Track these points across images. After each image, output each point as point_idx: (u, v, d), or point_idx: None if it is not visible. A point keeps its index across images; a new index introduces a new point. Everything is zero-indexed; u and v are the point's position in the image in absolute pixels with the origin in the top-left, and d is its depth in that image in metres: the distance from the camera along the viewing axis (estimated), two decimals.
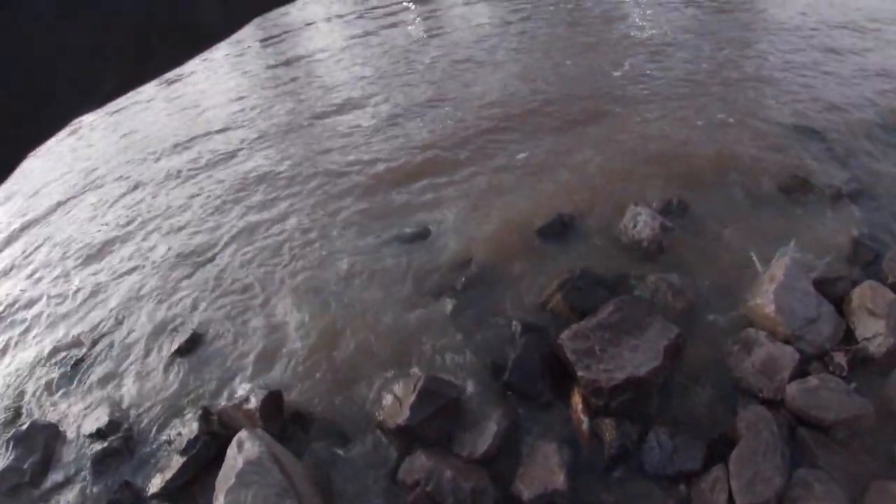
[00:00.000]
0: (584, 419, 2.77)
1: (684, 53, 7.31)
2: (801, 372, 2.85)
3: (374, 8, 13.62)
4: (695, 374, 2.95)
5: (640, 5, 9.97)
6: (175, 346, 4.04)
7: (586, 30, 9.13)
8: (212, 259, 5.03)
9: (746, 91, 6.04)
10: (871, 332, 3.01)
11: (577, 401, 2.85)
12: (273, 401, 3.21)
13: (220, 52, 13.07)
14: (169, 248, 5.42)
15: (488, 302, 3.69)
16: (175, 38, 0.49)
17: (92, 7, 0.42)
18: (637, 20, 9.17)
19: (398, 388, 2.98)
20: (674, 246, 3.84)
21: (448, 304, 3.73)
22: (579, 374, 2.82)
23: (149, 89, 12.37)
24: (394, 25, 11.73)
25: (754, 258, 3.62)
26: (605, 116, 5.93)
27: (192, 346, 4.02)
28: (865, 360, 2.93)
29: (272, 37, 14.05)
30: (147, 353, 4.20)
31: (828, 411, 2.63)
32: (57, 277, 5.68)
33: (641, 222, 3.92)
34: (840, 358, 2.92)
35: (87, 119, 11.85)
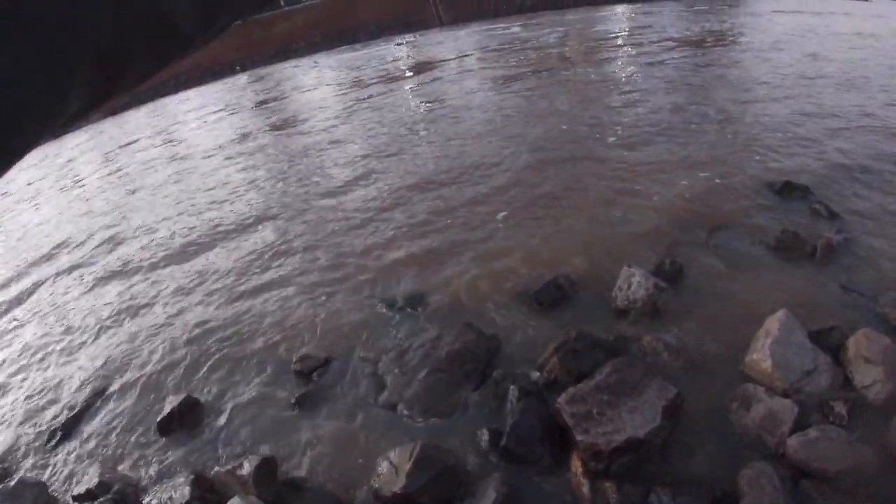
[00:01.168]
0: (585, 483, 2.71)
1: (669, 117, 7.55)
2: (801, 424, 2.81)
3: (371, 76, 14.12)
4: (695, 432, 2.92)
5: (624, 70, 10.37)
6: (168, 410, 3.97)
7: (573, 98, 9.45)
8: (208, 327, 5.03)
9: (731, 150, 6.21)
10: (869, 379, 3.01)
11: (576, 464, 2.80)
12: (267, 467, 3.15)
13: (218, 124, 13.37)
14: (166, 316, 5.43)
15: (484, 367, 3.66)
16: (145, 48, 0.45)
17: (53, 16, 0.38)
18: (623, 84, 9.51)
19: (394, 456, 2.92)
20: (668, 306, 3.86)
21: (443, 370, 3.69)
22: (578, 437, 2.77)
23: (155, 154, 12.64)
24: (391, 94, 12.12)
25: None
26: (594, 181, 6.08)
27: (185, 409, 3.96)
28: (865, 407, 2.92)
29: (270, 100, 14.43)
30: (140, 416, 4.16)
31: (830, 462, 2.59)
32: (52, 338, 5.66)
33: (635, 283, 3.93)
34: (839, 407, 2.91)
35: (92, 180, 12.07)
